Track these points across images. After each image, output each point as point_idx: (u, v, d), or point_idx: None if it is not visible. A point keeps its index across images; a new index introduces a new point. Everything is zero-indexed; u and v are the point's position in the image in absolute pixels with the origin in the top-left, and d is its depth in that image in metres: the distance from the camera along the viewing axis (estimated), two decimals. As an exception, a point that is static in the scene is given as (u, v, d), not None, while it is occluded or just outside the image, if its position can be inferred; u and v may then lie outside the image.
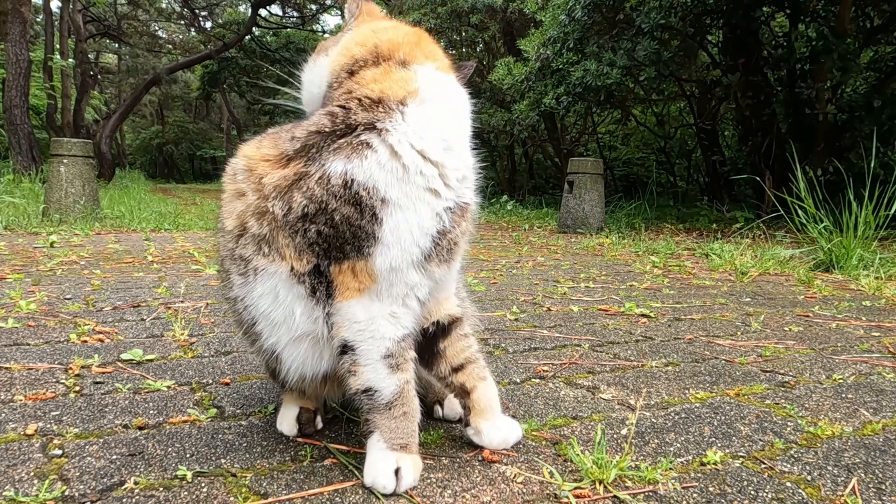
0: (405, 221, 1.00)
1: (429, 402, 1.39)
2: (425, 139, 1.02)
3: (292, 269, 1.04)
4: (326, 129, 1.02)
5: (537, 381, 1.68)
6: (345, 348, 1.05)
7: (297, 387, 1.23)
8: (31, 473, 1.09)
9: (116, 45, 29.91)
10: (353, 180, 0.98)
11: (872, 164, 4.22)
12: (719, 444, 1.27)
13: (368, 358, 1.05)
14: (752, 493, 1.07)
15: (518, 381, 1.68)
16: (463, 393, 1.21)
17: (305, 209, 1.00)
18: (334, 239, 1.00)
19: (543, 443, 1.26)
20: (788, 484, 1.11)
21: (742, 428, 1.36)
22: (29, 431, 1.26)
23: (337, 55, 1.12)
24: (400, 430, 1.07)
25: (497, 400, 1.23)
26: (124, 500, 1.01)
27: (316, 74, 1.16)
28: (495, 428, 1.21)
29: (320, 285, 1.04)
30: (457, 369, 1.19)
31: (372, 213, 0.99)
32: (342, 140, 1.00)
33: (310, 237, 1.01)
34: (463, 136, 1.10)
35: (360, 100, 1.03)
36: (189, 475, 1.09)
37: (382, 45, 1.08)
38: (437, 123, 1.05)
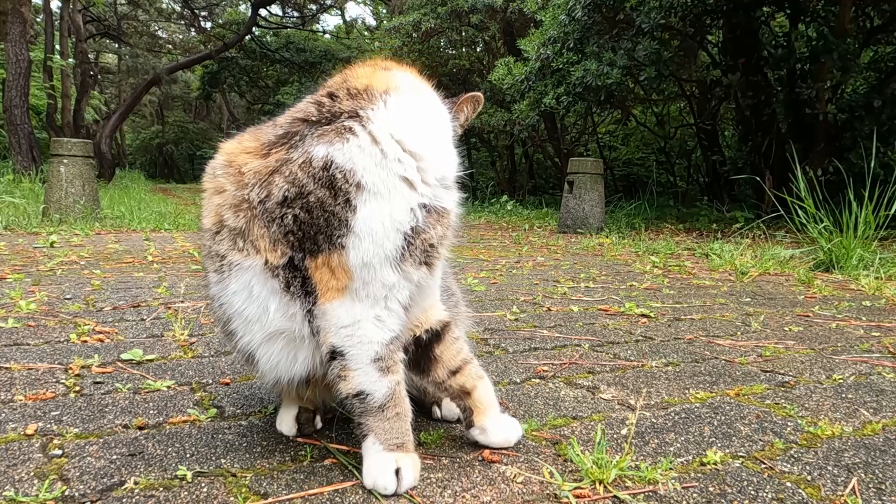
0: (378, 210, 1.00)
1: (427, 403, 1.39)
2: (404, 129, 1.05)
3: (266, 262, 1.04)
4: (313, 118, 1.05)
5: (537, 381, 1.68)
6: (334, 354, 1.05)
7: (275, 391, 1.24)
8: (31, 473, 1.09)
9: (116, 45, 29.86)
10: (332, 162, 1.00)
11: (872, 164, 4.22)
12: (719, 444, 1.27)
13: (358, 362, 1.05)
14: (752, 493, 1.07)
15: (518, 381, 1.68)
16: (463, 394, 1.21)
17: (286, 193, 1.00)
18: (309, 226, 1.00)
19: (543, 443, 1.26)
20: (788, 484, 1.11)
21: (742, 428, 1.36)
22: (29, 431, 1.26)
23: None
24: (394, 430, 1.07)
25: (495, 397, 1.24)
26: (124, 500, 1.01)
27: None
28: (500, 424, 1.22)
29: (294, 280, 1.04)
30: (455, 371, 1.20)
31: (346, 198, 0.99)
32: (327, 127, 1.03)
33: (286, 224, 1.01)
34: (443, 137, 1.12)
35: (348, 89, 1.08)
36: (189, 475, 1.09)
37: (368, 59, 1.18)
38: (417, 117, 1.08)
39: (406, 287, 1.06)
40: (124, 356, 1.80)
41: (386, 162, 1.02)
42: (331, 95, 1.07)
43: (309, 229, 1.00)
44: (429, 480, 1.09)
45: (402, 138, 1.04)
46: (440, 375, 1.20)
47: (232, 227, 1.06)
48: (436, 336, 1.18)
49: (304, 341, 1.08)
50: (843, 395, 1.60)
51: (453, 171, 1.12)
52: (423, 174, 1.05)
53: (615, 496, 1.05)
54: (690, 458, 1.20)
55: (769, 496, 1.06)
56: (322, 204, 0.99)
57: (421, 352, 1.18)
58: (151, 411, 1.39)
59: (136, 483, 1.06)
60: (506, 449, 1.22)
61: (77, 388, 1.53)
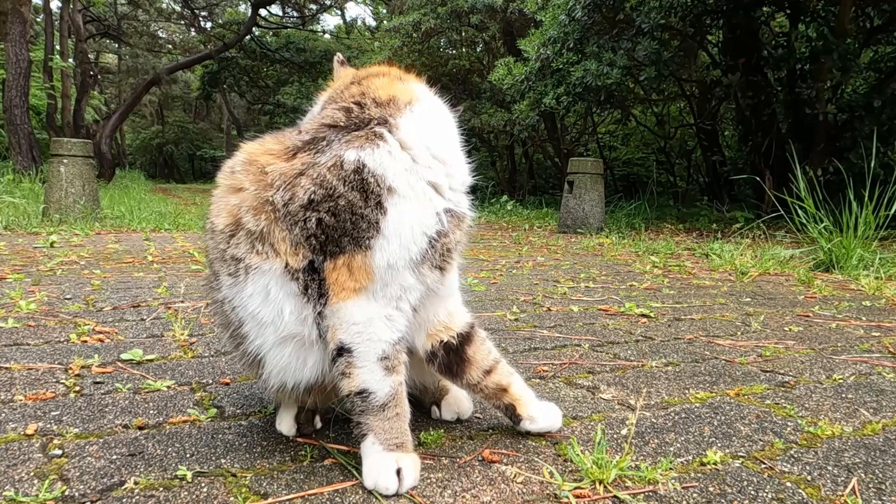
0: (408, 214, 1.03)
1: (426, 404, 1.40)
2: (431, 137, 1.09)
3: (287, 265, 1.04)
4: (342, 124, 1.07)
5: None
6: (341, 350, 1.05)
7: (277, 397, 1.24)
8: (31, 473, 1.09)
9: (116, 45, 29.88)
10: (363, 166, 1.02)
11: (872, 164, 4.22)
12: (719, 444, 1.27)
13: (365, 360, 1.05)
14: (752, 493, 1.07)
15: (518, 381, 1.68)
16: (500, 392, 1.25)
17: (312, 196, 1.01)
18: (334, 229, 1.01)
19: (543, 443, 1.26)
20: (788, 484, 1.11)
21: (742, 428, 1.36)
22: (29, 431, 1.26)
23: (336, 82, 1.21)
24: (394, 430, 1.07)
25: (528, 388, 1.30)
26: (124, 500, 1.01)
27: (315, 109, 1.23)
28: (546, 410, 1.28)
29: (313, 283, 1.05)
30: (489, 371, 1.23)
31: (377, 200, 1.01)
32: (356, 132, 1.05)
33: (309, 227, 1.02)
34: (458, 145, 1.18)
35: (374, 98, 1.10)
36: (189, 475, 1.09)
37: (377, 67, 1.20)
38: (439, 125, 1.13)
39: (418, 290, 1.08)
40: (124, 356, 1.80)
41: (416, 167, 1.05)
42: (358, 104, 1.09)
43: (333, 232, 1.01)
44: (429, 480, 1.09)
45: (429, 145, 1.08)
46: (474, 377, 1.22)
47: (251, 229, 1.06)
48: (465, 338, 1.21)
49: (314, 346, 1.09)
50: (843, 395, 1.60)
51: (467, 176, 1.17)
52: (450, 180, 1.10)
53: (615, 496, 1.05)
54: (690, 458, 1.21)
55: (769, 496, 1.06)
56: (351, 206, 1.00)
57: (452, 356, 1.20)
58: (151, 411, 1.39)
59: (136, 483, 1.06)
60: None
61: (77, 388, 1.53)
